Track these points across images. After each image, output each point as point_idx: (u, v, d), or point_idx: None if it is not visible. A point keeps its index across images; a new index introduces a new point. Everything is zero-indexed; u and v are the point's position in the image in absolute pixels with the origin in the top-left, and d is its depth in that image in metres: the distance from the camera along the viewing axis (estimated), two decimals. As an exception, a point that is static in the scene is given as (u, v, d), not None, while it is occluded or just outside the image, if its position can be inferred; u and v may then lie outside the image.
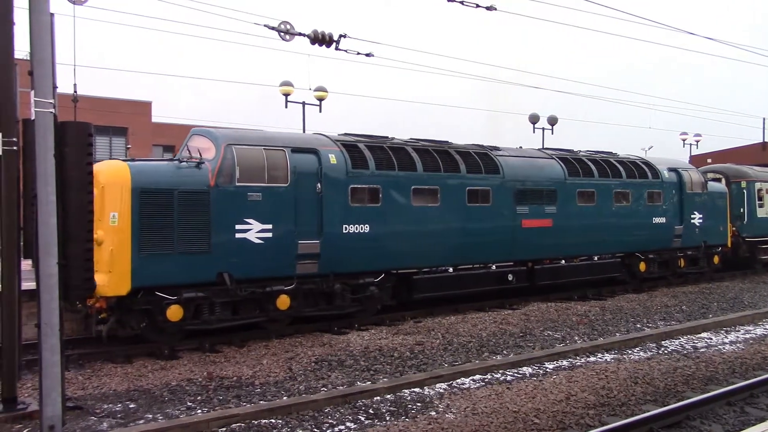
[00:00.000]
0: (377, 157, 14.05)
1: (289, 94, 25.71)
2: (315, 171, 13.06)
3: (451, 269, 15.27)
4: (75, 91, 7.26)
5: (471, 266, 15.71)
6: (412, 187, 14.44)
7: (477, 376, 10.02)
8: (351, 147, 13.87)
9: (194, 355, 11.50)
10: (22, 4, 7.29)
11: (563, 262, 17.77)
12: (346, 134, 14.63)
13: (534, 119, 31.83)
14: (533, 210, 16.84)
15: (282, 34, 12.61)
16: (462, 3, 11.57)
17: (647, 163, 20.43)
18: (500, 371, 10.33)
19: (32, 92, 6.53)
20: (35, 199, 6.48)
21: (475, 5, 11.72)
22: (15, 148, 7.99)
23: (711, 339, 13.09)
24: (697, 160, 37.59)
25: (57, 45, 6.88)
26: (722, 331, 13.85)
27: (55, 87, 6.71)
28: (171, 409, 8.46)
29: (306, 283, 13.00)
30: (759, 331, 13.98)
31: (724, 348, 12.24)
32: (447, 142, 16.17)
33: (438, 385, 9.50)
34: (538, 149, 18.72)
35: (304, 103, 26.34)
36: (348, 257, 13.43)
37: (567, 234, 17.52)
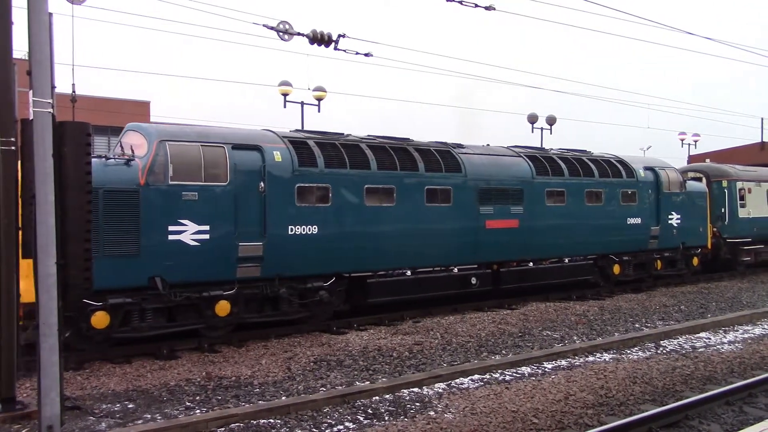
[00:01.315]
0: (327, 155, 13.43)
1: (287, 94, 25.70)
2: (258, 169, 12.43)
3: (409, 272, 14.64)
4: (73, 91, 7.24)
5: (431, 269, 15.08)
6: (365, 186, 13.81)
7: (476, 376, 10.03)
8: (299, 144, 13.26)
9: (193, 355, 11.49)
10: (20, 4, 7.29)
11: (531, 264, 17.14)
12: (297, 131, 14.16)
13: (532, 119, 31.84)
14: (498, 210, 16.20)
15: (281, 33, 12.59)
16: (461, 3, 11.57)
17: (622, 162, 19.76)
18: (499, 371, 10.33)
19: (31, 92, 6.52)
20: (34, 199, 6.47)
21: (473, 5, 11.72)
22: (13, 148, 7.98)
23: (710, 339, 13.10)
24: (695, 160, 37.62)
25: (56, 45, 6.87)
26: (721, 331, 13.87)
27: (53, 87, 6.70)
28: (170, 409, 8.46)
29: (248, 287, 12.41)
30: (757, 330, 13.99)
31: (722, 348, 12.25)
32: (408, 139, 15.57)
33: (437, 385, 9.51)
34: (506, 147, 17.94)
35: (302, 103, 26.33)
36: (294, 260, 12.81)
37: (535, 235, 16.92)
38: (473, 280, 15.70)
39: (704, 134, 43.79)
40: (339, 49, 13.03)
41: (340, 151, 13.74)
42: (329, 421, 7.96)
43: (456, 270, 15.48)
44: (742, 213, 23.81)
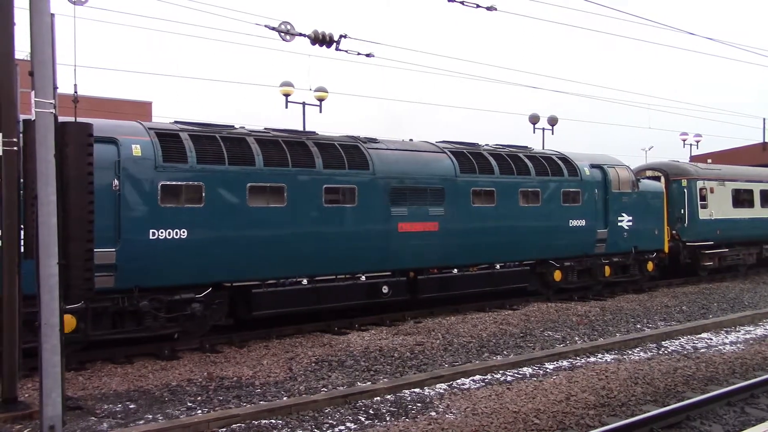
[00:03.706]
0: (201, 149, 11.97)
1: (289, 95, 25.69)
2: (110, 164, 10.92)
3: (305, 281, 13.05)
4: (75, 92, 7.25)
5: (334, 277, 13.54)
6: (249, 184, 12.31)
7: (477, 377, 10.02)
8: (167, 136, 11.83)
9: (194, 356, 11.50)
10: (22, 5, 7.31)
11: (455, 271, 15.52)
12: (176, 122, 12.80)
13: (534, 119, 31.83)
14: (414, 211, 14.62)
15: (282, 34, 12.59)
16: (462, 3, 11.58)
17: (564, 159, 18.25)
18: (500, 372, 10.33)
19: (33, 93, 6.54)
20: (36, 199, 6.48)
21: (475, 5, 11.72)
22: (15, 148, 8.00)
23: (711, 339, 13.09)
24: (697, 161, 37.60)
25: (57, 45, 6.89)
26: (722, 332, 13.86)
27: (55, 87, 6.72)
28: (171, 409, 8.46)
29: (99, 300, 10.76)
30: (759, 331, 13.98)
31: (724, 348, 12.24)
32: (313, 132, 14.28)
33: (438, 386, 9.51)
34: (430, 142, 16.32)
35: (304, 104, 26.32)
36: (158, 269, 11.29)
37: (458, 239, 15.32)
38: (385, 289, 14.11)
39: (706, 135, 43.70)
40: (341, 50, 13.03)
41: (218, 144, 12.27)
42: (331, 421, 7.96)
43: (364, 278, 13.91)
44: (703, 214, 22.33)
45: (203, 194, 11.87)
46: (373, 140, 14.97)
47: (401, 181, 14.52)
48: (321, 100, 25.89)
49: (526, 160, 17.21)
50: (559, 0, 13.42)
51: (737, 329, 14.15)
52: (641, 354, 11.71)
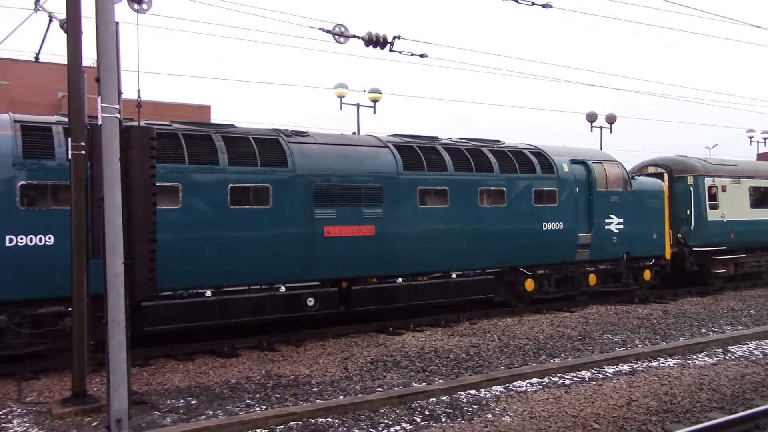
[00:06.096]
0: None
1: (343, 96, 25.92)
2: None
3: (209, 292, 11.65)
4: (139, 97, 7.49)
5: (247, 287, 12.11)
6: None
7: (534, 380, 9.88)
8: (34, 129, 10.59)
9: (253, 354, 11.72)
10: (88, 14, 7.58)
11: (399, 281, 13.77)
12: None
13: (592, 118, 31.14)
14: (344, 214, 12.96)
15: (337, 36, 12.71)
16: (517, 1, 11.43)
17: (538, 153, 16.24)
18: (558, 375, 10.15)
19: (99, 98, 6.78)
20: (102, 200, 6.72)
21: (530, 3, 11.56)
22: (83, 152, 8.32)
23: (782, 345, 12.54)
24: (764, 159, 36.08)
25: (122, 52, 7.11)
26: (794, 337, 13.25)
27: (120, 93, 6.95)
28: (231, 406, 8.65)
29: None
30: (834, 337, 13.30)
31: (796, 354, 11.71)
32: (230, 126, 12.75)
33: (494, 388, 9.41)
34: (374, 136, 14.65)
35: (358, 105, 26.50)
36: (17, 280, 10.05)
37: (402, 245, 13.64)
38: (310, 301, 12.58)
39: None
40: (394, 51, 13.05)
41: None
42: (386, 421, 7.98)
43: (283, 288, 12.42)
44: (713, 215, 19.69)
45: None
46: (301, 134, 13.40)
47: (327, 179, 12.90)
48: (375, 101, 26.03)
49: (489, 155, 15.31)
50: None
51: (810, 334, 13.50)
52: (706, 359, 11.31)
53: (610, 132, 31.75)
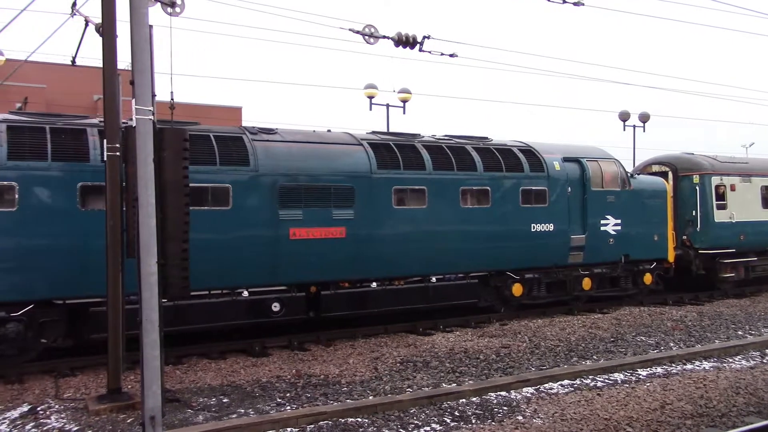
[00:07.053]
0: (17, 142, 10.34)
1: (373, 97, 25.96)
2: None
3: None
4: (172, 99, 7.58)
5: (207, 292, 11.57)
6: (80, 184, 10.52)
7: (565, 381, 9.77)
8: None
9: (283, 353, 11.81)
10: (123, 18, 7.73)
11: (374, 285, 13.21)
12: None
13: (624, 116, 30.68)
14: (311, 215, 12.39)
15: (366, 37, 12.73)
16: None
17: (527, 151, 15.45)
18: (590, 377, 10.03)
19: (133, 100, 6.91)
20: (136, 201, 6.84)
21: (561, 1, 11.45)
22: (118, 153, 8.49)
23: (822, 348, 12.21)
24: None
25: (155, 55, 7.24)
26: (835, 340, 12.88)
27: (154, 95, 7.07)
28: (262, 404, 8.73)
29: None
30: None
31: (837, 358, 11.39)
32: (193, 123, 12.20)
33: (525, 389, 9.34)
34: (348, 134, 13.97)
35: (388, 105, 26.52)
36: None
37: (375, 247, 13.04)
38: (275, 307, 12.08)
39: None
40: (424, 51, 13.02)
41: (42, 138, 10.58)
42: (416, 422, 7.97)
43: (246, 293, 11.95)
44: (720, 216, 18.64)
45: (16, 195, 10.16)
46: (268, 131, 12.81)
47: (294, 178, 12.32)
48: (404, 101, 26.02)
49: (473, 153, 14.57)
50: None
51: None
52: (743, 362, 11.06)
53: (644, 131, 31.28)
